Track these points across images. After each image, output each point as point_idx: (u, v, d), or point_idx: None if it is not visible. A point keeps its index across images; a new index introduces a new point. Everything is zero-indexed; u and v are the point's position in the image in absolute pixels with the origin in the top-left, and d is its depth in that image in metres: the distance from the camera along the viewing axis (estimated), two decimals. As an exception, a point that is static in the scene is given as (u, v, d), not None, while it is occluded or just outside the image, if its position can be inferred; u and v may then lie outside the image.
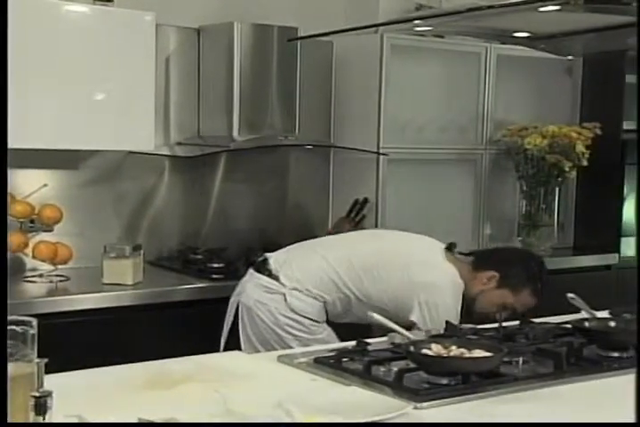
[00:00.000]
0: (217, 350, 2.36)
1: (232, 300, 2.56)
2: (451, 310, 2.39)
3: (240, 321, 2.51)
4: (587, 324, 2.08)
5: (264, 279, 2.50)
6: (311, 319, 2.44)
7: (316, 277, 2.46)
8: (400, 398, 1.58)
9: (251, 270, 2.57)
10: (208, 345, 2.34)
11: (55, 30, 2.73)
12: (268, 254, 2.58)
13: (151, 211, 3.31)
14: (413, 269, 2.45)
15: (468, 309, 2.46)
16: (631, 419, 1.29)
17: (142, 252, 2.92)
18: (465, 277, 2.46)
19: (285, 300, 2.44)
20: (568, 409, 1.63)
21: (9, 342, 1.25)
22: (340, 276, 2.46)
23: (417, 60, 3.52)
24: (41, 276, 2.83)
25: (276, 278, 2.48)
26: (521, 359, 1.85)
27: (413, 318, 2.38)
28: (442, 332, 2.10)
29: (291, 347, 2.33)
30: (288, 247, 2.64)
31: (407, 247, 2.58)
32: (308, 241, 2.70)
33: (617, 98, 3.83)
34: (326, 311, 2.47)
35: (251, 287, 2.52)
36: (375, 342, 2.00)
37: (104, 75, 2.83)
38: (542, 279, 2.52)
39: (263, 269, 2.53)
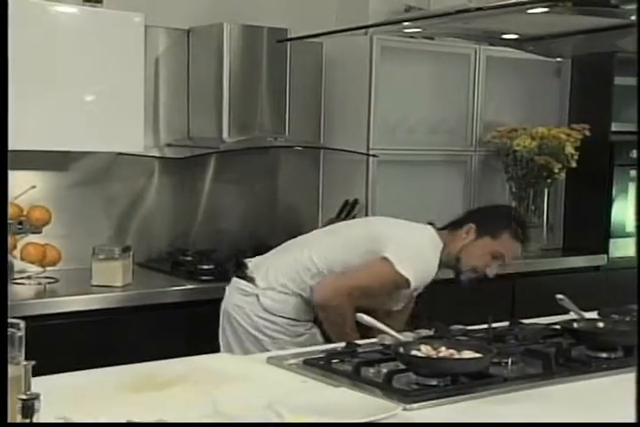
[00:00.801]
0: (207, 352, 2.35)
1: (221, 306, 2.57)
2: (429, 261, 2.41)
3: (220, 326, 2.51)
4: (575, 325, 2.09)
5: (241, 283, 2.51)
6: (288, 318, 2.43)
7: (292, 270, 2.46)
8: (389, 400, 1.59)
9: (233, 276, 2.59)
10: (198, 347, 2.33)
11: (44, 31, 2.72)
12: (247, 260, 2.59)
13: (140, 212, 3.30)
14: (386, 230, 2.49)
15: (457, 271, 2.48)
16: (623, 418, 1.29)
17: (132, 253, 2.91)
18: (445, 240, 2.48)
19: (259, 300, 2.44)
20: (557, 409, 1.64)
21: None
22: (312, 260, 2.46)
23: (407, 62, 3.53)
24: (29, 278, 2.82)
25: (252, 280, 2.49)
26: (510, 360, 1.86)
27: (387, 254, 2.36)
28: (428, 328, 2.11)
29: (268, 350, 2.31)
30: (269, 252, 2.65)
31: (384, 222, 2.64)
32: (287, 242, 2.70)
33: (605, 99, 3.84)
34: (313, 309, 2.46)
35: (230, 292, 2.54)
36: (365, 344, 2.00)
37: (93, 76, 2.82)
38: (518, 221, 2.55)
39: (240, 272, 2.54)
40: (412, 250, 2.41)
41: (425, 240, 2.46)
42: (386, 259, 2.36)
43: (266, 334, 2.42)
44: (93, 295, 2.72)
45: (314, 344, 2.31)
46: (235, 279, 2.56)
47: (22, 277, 2.83)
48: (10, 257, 2.79)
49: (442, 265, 2.46)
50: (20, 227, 2.83)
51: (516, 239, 2.50)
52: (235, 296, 2.51)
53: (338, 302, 2.35)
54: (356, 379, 1.74)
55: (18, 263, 2.89)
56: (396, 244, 2.40)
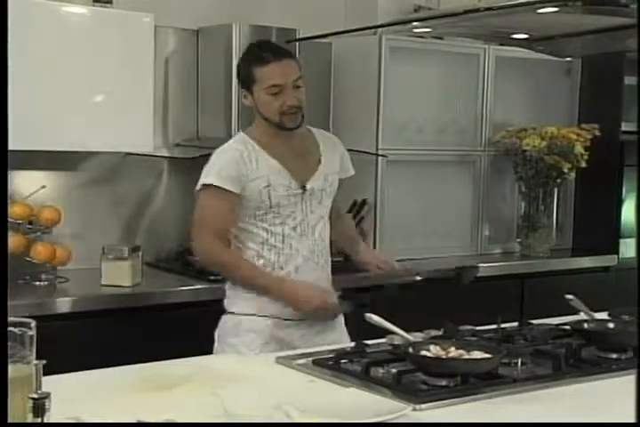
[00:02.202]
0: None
1: None
2: (221, 152, 2.36)
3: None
4: (585, 325, 2.09)
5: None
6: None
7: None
8: (399, 400, 1.58)
9: None
10: (207, 347, 2.34)
11: (54, 32, 2.73)
12: None
13: (150, 212, 3.31)
14: None
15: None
16: (632, 419, 1.29)
17: (141, 253, 2.92)
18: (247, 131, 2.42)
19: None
20: (567, 410, 1.63)
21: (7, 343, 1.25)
22: None
23: (415, 62, 3.52)
24: (39, 277, 2.83)
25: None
26: (519, 361, 1.85)
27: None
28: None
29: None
30: None
31: None
32: None
33: (615, 99, 3.83)
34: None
35: None
36: (374, 344, 2.00)
37: (103, 76, 2.83)
38: (261, 47, 2.38)
39: None
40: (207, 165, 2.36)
41: (219, 150, 2.39)
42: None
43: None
44: (103, 295, 2.73)
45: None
46: None
47: (32, 277, 2.84)
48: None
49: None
50: (29, 227, 2.84)
51: (262, 62, 2.30)
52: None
53: (204, 253, 2.37)
54: (365, 379, 1.74)
55: (28, 263, 2.89)
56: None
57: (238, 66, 2.44)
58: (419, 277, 2.49)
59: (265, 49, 2.36)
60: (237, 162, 2.32)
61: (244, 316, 2.36)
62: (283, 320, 2.35)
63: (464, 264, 2.78)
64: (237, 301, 2.38)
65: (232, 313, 2.38)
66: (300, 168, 2.39)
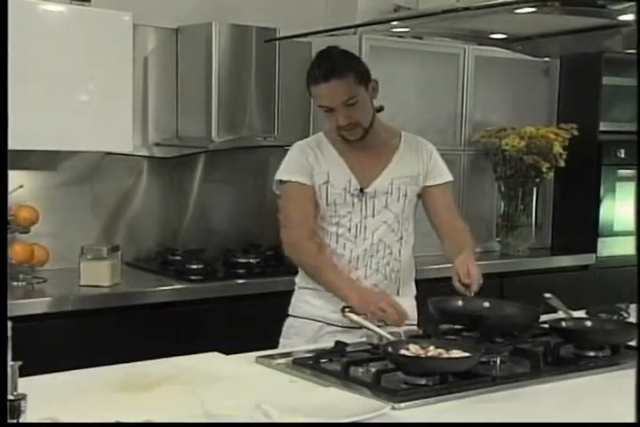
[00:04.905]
0: (195, 352, 2.34)
1: None
2: (290, 155, 2.38)
3: None
4: (563, 324, 2.10)
5: None
6: None
7: None
8: (378, 399, 1.59)
9: None
10: (186, 347, 2.33)
11: (31, 30, 2.71)
12: None
13: (129, 212, 3.29)
14: None
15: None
16: (611, 416, 1.30)
17: (120, 253, 2.90)
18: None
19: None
20: (545, 408, 1.64)
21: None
22: None
23: (395, 62, 3.53)
24: (17, 278, 2.81)
25: None
26: (498, 359, 1.86)
27: None
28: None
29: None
30: None
31: None
32: None
33: (593, 99, 3.86)
34: None
35: None
36: (353, 343, 2.00)
37: (81, 75, 2.81)
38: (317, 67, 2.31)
39: None
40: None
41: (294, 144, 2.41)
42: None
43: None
44: (82, 295, 2.71)
45: None
46: None
47: (10, 277, 2.81)
48: None
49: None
50: (7, 227, 2.81)
51: (315, 82, 2.27)
52: None
53: (302, 248, 2.30)
54: (344, 378, 1.74)
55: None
56: None
57: None
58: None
59: (321, 65, 2.29)
60: (304, 155, 2.32)
61: (294, 318, 2.37)
62: (328, 325, 2.32)
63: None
64: (295, 302, 2.39)
65: (288, 315, 2.39)
66: (365, 169, 2.33)
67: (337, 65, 2.28)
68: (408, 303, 2.34)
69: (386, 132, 2.41)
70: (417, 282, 2.47)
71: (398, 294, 2.35)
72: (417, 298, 2.43)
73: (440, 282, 2.69)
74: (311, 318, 2.34)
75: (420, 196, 2.41)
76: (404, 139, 2.43)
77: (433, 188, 2.41)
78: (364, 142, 2.34)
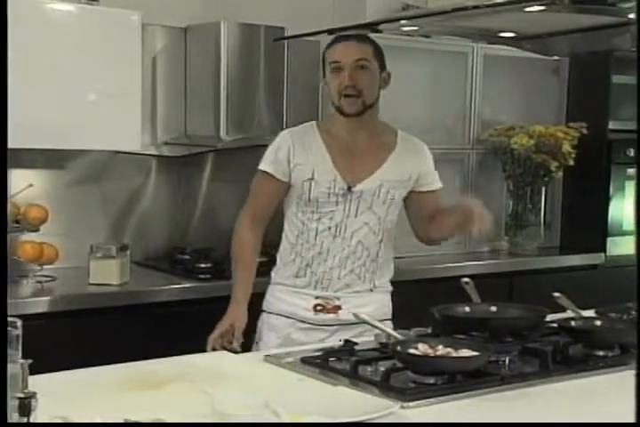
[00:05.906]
0: (204, 351, 2.35)
1: None
2: (276, 141, 2.38)
3: None
4: (573, 323, 2.09)
5: None
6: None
7: None
8: (387, 398, 1.59)
9: None
10: (195, 345, 2.33)
11: (40, 29, 2.72)
12: None
13: (138, 211, 3.30)
14: None
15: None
16: (620, 416, 1.30)
17: (129, 252, 2.91)
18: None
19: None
20: (554, 408, 1.64)
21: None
22: None
23: (404, 60, 3.52)
24: (27, 276, 2.82)
25: None
26: (507, 359, 1.86)
27: None
28: None
29: None
30: None
31: None
32: None
33: (603, 98, 3.84)
34: None
35: None
36: (362, 342, 2.00)
37: (90, 74, 2.82)
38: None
39: None
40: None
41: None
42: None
43: None
44: (91, 294, 2.72)
45: None
46: None
47: (19, 276, 2.82)
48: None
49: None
50: (16, 226, 2.82)
51: (333, 42, 2.27)
52: None
53: (238, 233, 2.40)
54: (353, 377, 1.74)
55: (15, 262, 2.88)
56: None
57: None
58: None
59: (342, 35, 2.26)
60: (286, 146, 2.29)
61: (267, 313, 2.38)
62: (300, 322, 2.33)
63: None
64: (268, 298, 2.40)
65: (262, 311, 2.40)
66: (353, 168, 2.28)
67: (359, 35, 2.28)
68: (381, 298, 2.36)
69: (382, 126, 2.40)
70: (418, 282, 2.47)
71: (371, 290, 2.35)
72: (418, 299, 2.42)
73: (440, 282, 2.70)
74: (283, 314, 2.35)
75: (405, 199, 2.37)
76: (400, 138, 2.39)
77: (428, 193, 2.38)
78: (357, 136, 2.30)
